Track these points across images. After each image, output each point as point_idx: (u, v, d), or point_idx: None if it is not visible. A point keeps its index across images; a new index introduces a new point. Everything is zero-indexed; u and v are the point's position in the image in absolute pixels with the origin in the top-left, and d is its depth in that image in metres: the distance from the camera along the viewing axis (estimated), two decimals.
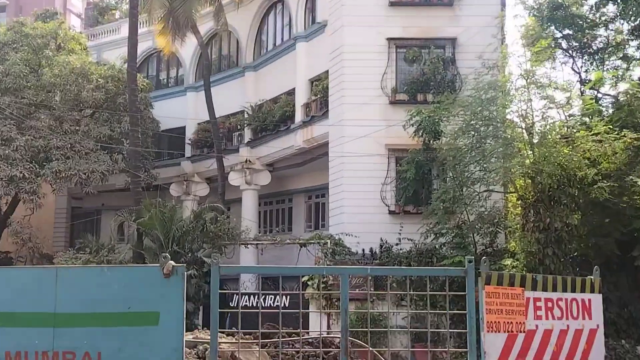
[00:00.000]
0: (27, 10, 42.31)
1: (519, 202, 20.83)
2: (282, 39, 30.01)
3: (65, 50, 31.19)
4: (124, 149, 30.00)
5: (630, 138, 19.38)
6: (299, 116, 27.36)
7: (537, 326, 8.99)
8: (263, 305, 20.75)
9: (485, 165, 20.01)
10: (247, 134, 30.56)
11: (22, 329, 7.46)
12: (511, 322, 8.72)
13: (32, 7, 41.41)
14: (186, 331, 8.01)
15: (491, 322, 8.51)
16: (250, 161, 29.53)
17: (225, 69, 33.26)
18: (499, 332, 8.58)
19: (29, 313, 7.51)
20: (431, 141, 22.03)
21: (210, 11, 30.90)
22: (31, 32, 30.30)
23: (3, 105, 27.65)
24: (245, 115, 30.75)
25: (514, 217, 22.02)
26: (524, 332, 8.83)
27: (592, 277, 9.89)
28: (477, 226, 20.92)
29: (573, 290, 9.54)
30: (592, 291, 9.75)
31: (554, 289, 9.34)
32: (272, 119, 29.00)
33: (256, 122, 29.87)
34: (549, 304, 9.15)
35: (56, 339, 7.36)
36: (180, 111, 33.05)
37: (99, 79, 29.66)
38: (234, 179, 29.79)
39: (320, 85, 26.33)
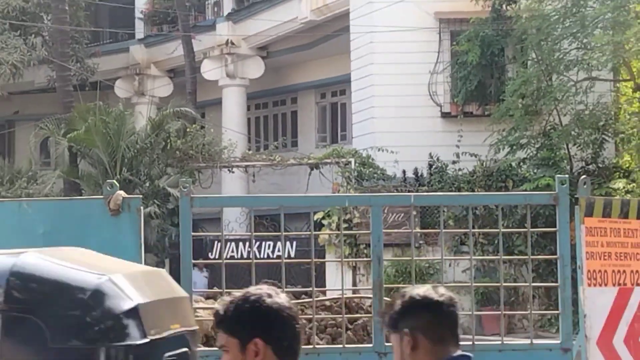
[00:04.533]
0: None
1: (637, 94, 20.72)
2: None
3: None
4: (45, 28, 29.75)
5: None
6: None
7: None
8: (257, 255, 21.02)
9: (585, 41, 19.83)
10: (228, 3, 30.21)
11: None
12: (623, 271, 8.79)
13: None
14: None
15: (594, 271, 8.57)
16: (233, 43, 29.29)
17: None
18: (605, 285, 8.66)
19: None
20: (504, 6, 21.78)
21: None
22: None
23: None
24: None
25: (628, 117, 21.92)
26: None
27: None
28: (573, 132, 20.88)
29: None
30: None
31: None
32: None
33: None
34: None
35: None
36: None
37: None
38: (210, 70, 29.64)
39: None
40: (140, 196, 7.75)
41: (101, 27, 33.35)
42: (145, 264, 7.90)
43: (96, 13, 33.39)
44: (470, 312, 10.73)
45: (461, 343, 8.86)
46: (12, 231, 7.71)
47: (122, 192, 7.66)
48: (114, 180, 8.07)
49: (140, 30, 33.09)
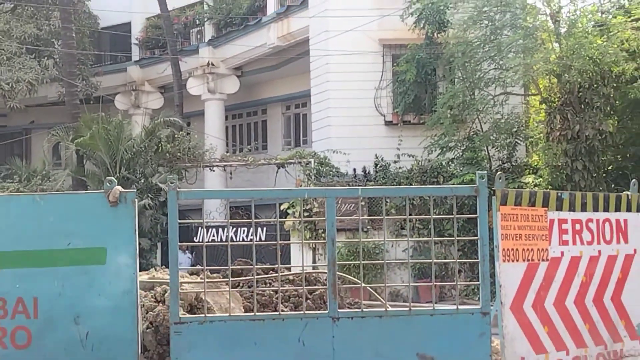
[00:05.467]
0: None
1: (543, 106, 20.90)
2: None
3: None
4: (56, 52, 29.43)
5: None
6: (272, 6, 26.97)
7: (562, 253, 9.14)
8: (234, 238, 20.96)
9: (501, 62, 19.97)
10: (209, 31, 30.09)
11: None
12: (531, 249, 8.86)
13: None
14: (141, 270, 8.08)
15: (508, 249, 8.65)
16: (213, 64, 29.17)
17: None
18: (517, 261, 8.73)
19: None
20: (435, 34, 21.87)
21: None
22: None
23: None
24: (206, 7, 30.23)
25: (536, 124, 22.13)
26: (547, 260, 8.99)
27: (629, 192, 10.00)
28: (492, 137, 21.03)
29: (606, 210, 9.66)
30: (629, 210, 9.87)
31: (583, 209, 9.46)
32: (239, 10, 28.57)
33: (219, 15, 29.40)
34: (577, 227, 9.28)
35: None
36: (124, 3, 32.34)
37: None
38: (194, 86, 29.51)
39: None
40: (135, 190, 7.68)
41: (103, 50, 33.04)
42: (140, 247, 7.86)
43: (99, 39, 33.11)
44: (408, 284, 10.77)
45: (400, 308, 8.83)
46: (28, 220, 7.64)
47: (119, 187, 7.60)
48: (114, 178, 7.99)
49: (135, 53, 32.87)
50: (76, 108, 26.00)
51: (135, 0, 32.56)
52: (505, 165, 21.44)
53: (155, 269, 10.38)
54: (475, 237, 8.20)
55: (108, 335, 7.48)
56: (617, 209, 9.71)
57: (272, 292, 9.39)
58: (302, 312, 8.28)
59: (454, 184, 19.16)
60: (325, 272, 8.92)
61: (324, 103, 24.05)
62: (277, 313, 8.21)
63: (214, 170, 25.94)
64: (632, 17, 19.12)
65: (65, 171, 26.20)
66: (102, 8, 32.11)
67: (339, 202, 17.97)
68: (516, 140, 21.45)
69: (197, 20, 30.81)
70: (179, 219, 7.82)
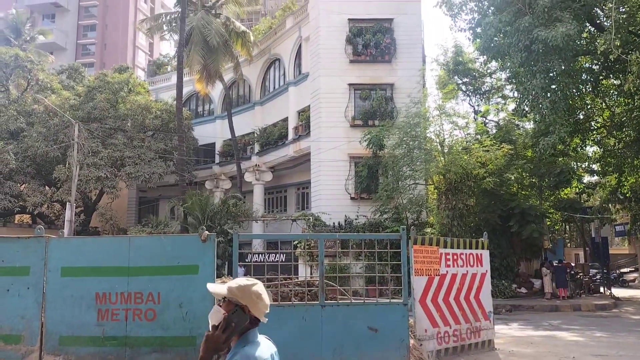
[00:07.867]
0: (108, 65, 44.37)
1: (435, 190, 21.02)
2: (279, 84, 29.89)
3: (134, 92, 30.89)
4: (174, 158, 29.66)
5: (507, 148, 19.78)
6: (290, 135, 27.29)
7: (447, 271, 9.09)
8: (267, 260, 20.71)
9: (413, 167, 20.19)
10: (257, 147, 30.41)
11: (107, 278, 7.40)
12: (430, 269, 8.81)
13: (111, 63, 43.46)
14: (216, 277, 7.95)
15: (417, 269, 8.59)
16: (258, 165, 29.36)
17: (242, 104, 32.99)
18: (422, 275, 8.67)
19: (111, 267, 7.45)
20: (378, 151, 22.17)
21: (231, 66, 30.72)
22: (111, 80, 30.04)
23: (92, 129, 27.35)
24: (255, 135, 30.61)
25: (432, 200, 22.21)
26: (439, 275, 8.92)
27: (482, 239, 10.01)
28: (408, 207, 21.06)
29: (470, 248, 9.65)
30: (483, 248, 9.87)
31: (458, 247, 9.44)
32: (273, 137, 28.94)
33: (262, 139, 29.78)
34: (455, 257, 9.26)
35: (130, 284, 7.30)
36: (212, 132, 32.78)
37: (157, 111, 29.57)
38: (248, 177, 29.59)
39: (304, 114, 26.31)
40: (215, 233, 7.64)
41: (199, 157, 33.29)
42: (216, 263, 7.75)
43: (197, 151, 33.38)
44: (363, 287, 10.57)
45: (357, 301, 8.55)
46: (156, 249, 7.58)
47: (207, 232, 7.57)
48: (204, 226, 7.96)
49: (217, 159, 33.09)
50: (184, 188, 26.06)
51: (217, 130, 32.98)
52: (415, 222, 21.38)
53: (224, 277, 10.29)
54: (400, 262, 8.17)
55: (198, 314, 7.34)
56: (476, 248, 9.71)
57: (288, 290, 9.25)
58: (304, 302, 8.16)
59: (387, 233, 19.10)
60: (317, 280, 8.83)
61: (318, 186, 24.12)
62: (291, 302, 8.08)
63: (257, 222, 25.81)
64: (482, 145, 19.49)
65: (177, 222, 26.12)
66: (200, 134, 32.54)
67: (325, 241, 17.87)
68: (421, 209, 21.46)
69: (250, 142, 31.16)
70: (238, 249, 7.78)
